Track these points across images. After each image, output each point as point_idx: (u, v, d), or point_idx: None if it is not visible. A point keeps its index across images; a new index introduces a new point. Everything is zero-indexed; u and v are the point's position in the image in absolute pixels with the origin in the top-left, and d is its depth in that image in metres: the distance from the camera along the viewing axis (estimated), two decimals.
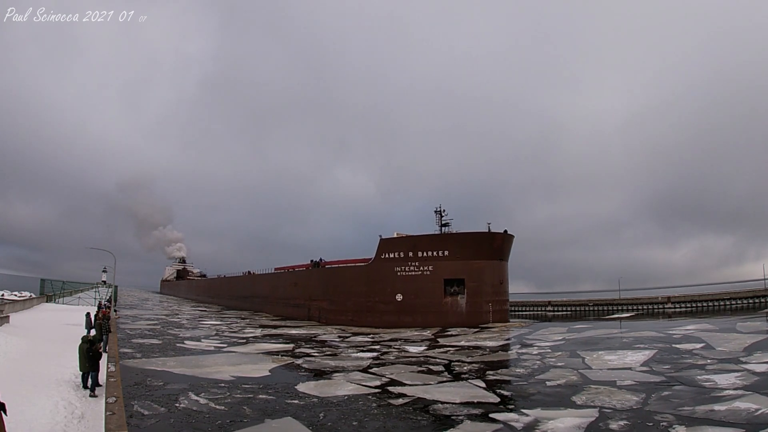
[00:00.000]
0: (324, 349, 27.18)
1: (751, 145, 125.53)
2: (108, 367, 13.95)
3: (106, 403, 10.28)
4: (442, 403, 14.24)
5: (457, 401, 14.32)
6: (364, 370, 19.73)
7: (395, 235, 42.63)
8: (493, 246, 40.91)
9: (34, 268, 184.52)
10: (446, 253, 39.93)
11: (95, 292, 59.09)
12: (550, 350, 24.19)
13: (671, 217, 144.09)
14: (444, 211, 42.99)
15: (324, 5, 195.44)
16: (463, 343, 28.39)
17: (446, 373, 19.06)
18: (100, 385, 13.18)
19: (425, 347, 27.01)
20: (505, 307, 43.24)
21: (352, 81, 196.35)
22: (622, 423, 11.61)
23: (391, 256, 41.42)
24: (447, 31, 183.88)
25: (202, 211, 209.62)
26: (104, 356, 16.56)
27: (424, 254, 40.37)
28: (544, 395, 15.02)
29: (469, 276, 39.70)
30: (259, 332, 36.80)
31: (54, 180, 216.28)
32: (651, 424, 11.50)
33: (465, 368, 20.11)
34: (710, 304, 49.12)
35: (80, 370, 13.48)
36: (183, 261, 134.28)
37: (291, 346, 28.48)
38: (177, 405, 13.77)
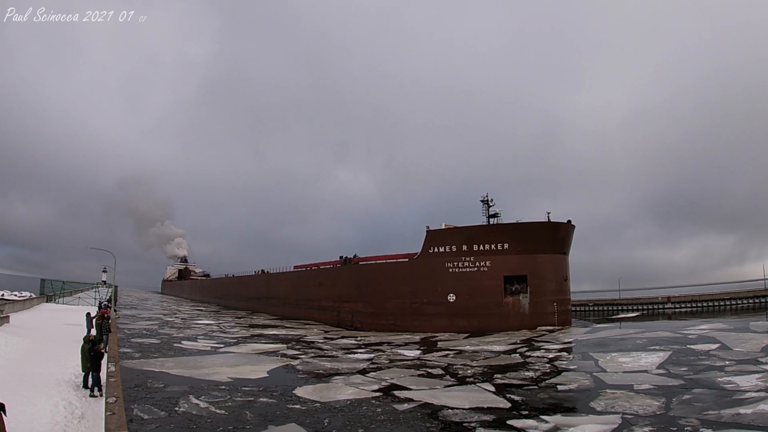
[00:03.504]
0: (310, 350, 26.86)
1: (753, 143, 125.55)
2: (108, 367, 13.90)
3: (106, 403, 10.22)
4: (451, 408, 13.89)
5: (467, 406, 13.99)
6: (363, 373, 19.52)
7: (443, 227, 38.02)
8: (557, 238, 36.74)
9: (34, 268, 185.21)
10: (506, 246, 35.33)
11: (95, 292, 59.09)
12: (560, 353, 23.67)
13: (672, 216, 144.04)
14: (491, 200, 38.58)
15: (325, 6, 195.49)
16: (467, 347, 27.42)
17: (449, 377, 18.74)
18: (101, 386, 13.11)
19: (420, 351, 26.46)
20: (568, 307, 38.99)
21: (353, 81, 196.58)
22: (647, 430, 11.32)
23: (441, 249, 36.68)
24: (447, 29, 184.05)
25: (203, 211, 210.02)
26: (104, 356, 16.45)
27: (480, 248, 35.68)
28: (560, 400, 14.70)
29: (531, 272, 35.57)
30: (252, 332, 36.75)
31: (54, 179, 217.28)
32: (676, 429, 11.24)
33: (469, 372, 19.74)
34: (711, 304, 49.13)
35: (82, 371, 13.43)
36: (185, 260, 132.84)
37: (282, 346, 28.49)
38: (177, 409, 13.71)
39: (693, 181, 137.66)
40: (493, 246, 35.65)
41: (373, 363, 22.19)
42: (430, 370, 20.16)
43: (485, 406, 14.10)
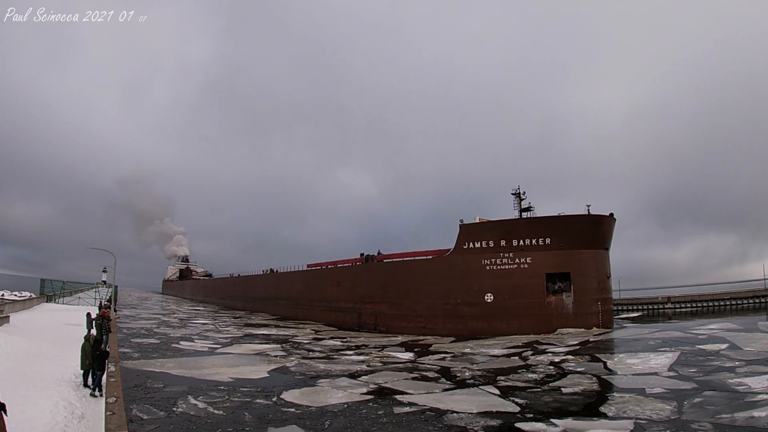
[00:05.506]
0: (301, 351, 26.74)
1: (755, 145, 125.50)
2: (108, 367, 13.94)
3: (106, 403, 10.28)
4: (456, 412, 13.60)
5: (474, 411, 13.71)
6: (359, 376, 19.31)
7: (477, 220, 35.71)
8: (600, 232, 34.91)
9: (34, 268, 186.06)
10: (547, 241, 33.26)
11: (95, 292, 59.20)
12: (566, 356, 23.04)
13: (673, 216, 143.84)
14: (524, 193, 36.46)
15: (326, 9, 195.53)
16: (467, 350, 26.56)
17: (451, 380, 18.37)
18: (102, 386, 13.16)
19: (414, 353, 25.85)
20: (611, 307, 37.00)
21: (354, 83, 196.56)
22: None
23: (477, 245, 34.38)
24: (448, 30, 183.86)
25: (203, 212, 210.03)
26: None
27: (520, 243, 33.56)
28: (568, 403, 14.47)
29: (575, 269, 33.60)
30: (246, 332, 36.87)
31: (54, 179, 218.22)
32: None
33: (467, 374, 19.40)
34: (711, 304, 49.06)
35: (81, 369, 13.50)
36: (186, 260, 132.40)
37: (276, 347, 28.56)
38: (175, 409, 13.74)
39: (694, 181, 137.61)
40: (533, 241, 33.36)
41: (368, 366, 21.94)
42: (427, 374, 19.88)
43: (493, 410, 13.83)
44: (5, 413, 6.28)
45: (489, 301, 33.81)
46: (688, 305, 49.64)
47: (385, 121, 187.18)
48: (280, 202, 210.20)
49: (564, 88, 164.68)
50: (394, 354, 25.75)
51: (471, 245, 34.74)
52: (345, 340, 32.85)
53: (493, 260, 34.05)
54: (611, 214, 35.56)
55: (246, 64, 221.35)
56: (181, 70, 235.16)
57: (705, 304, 49.09)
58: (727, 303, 48.64)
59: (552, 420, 12.50)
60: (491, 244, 34.20)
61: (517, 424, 12.32)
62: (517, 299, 33.29)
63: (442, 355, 24.92)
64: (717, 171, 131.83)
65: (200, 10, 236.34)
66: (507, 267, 33.75)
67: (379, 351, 27.09)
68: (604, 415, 12.93)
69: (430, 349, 27.73)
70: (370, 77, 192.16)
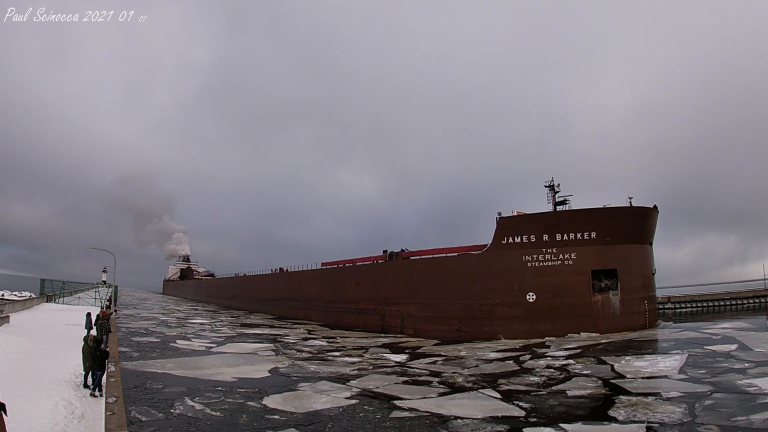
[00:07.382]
0: (291, 352, 26.56)
1: (756, 144, 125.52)
2: (108, 367, 13.83)
3: (106, 403, 10.17)
4: (460, 418, 13.27)
5: (479, 416, 13.39)
6: (355, 378, 19.02)
7: (514, 213, 33.58)
8: (645, 226, 33.24)
9: (34, 268, 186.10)
10: (593, 235, 31.23)
11: (95, 292, 59.04)
12: (567, 360, 22.17)
13: (673, 215, 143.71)
14: (558, 185, 34.41)
15: (326, 8, 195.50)
16: (462, 353, 25.75)
17: (449, 384, 17.98)
18: (102, 386, 13.05)
19: (407, 355, 25.27)
20: (655, 306, 35.27)
21: (354, 83, 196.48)
22: None
23: (517, 240, 32.28)
24: (448, 29, 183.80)
25: (203, 212, 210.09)
26: None
27: (564, 237, 31.36)
28: (575, 407, 14.15)
29: (621, 266, 31.61)
30: (240, 331, 36.86)
31: (54, 179, 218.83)
32: None
33: (465, 378, 18.99)
34: (711, 304, 48.90)
35: (84, 371, 13.41)
36: (187, 259, 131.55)
37: (269, 346, 28.64)
38: (173, 411, 13.68)
39: (695, 180, 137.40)
40: (578, 235, 31.22)
41: (360, 368, 21.56)
42: (424, 377, 19.49)
43: (498, 415, 13.56)
44: (5, 413, 6.20)
45: (531, 300, 31.45)
46: (689, 305, 49.48)
47: (386, 120, 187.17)
48: (281, 202, 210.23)
49: (565, 85, 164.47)
50: (385, 356, 25.41)
51: (510, 240, 32.47)
52: (332, 340, 32.75)
53: (535, 256, 31.78)
54: (654, 207, 33.96)
55: (246, 63, 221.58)
56: (181, 70, 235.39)
57: (706, 304, 48.95)
58: (728, 303, 48.52)
59: (560, 425, 12.25)
60: (533, 238, 31.92)
61: (525, 430, 12.10)
62: (561, 298, 31.07)
63: (434, 358, 24.35)
64: (718, 170, 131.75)
65: (200, 10, 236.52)
66: (550, 263, 31.54)
67: (365, 352, 26.84)
68: (614, 419, 12.63)
69: (420, 351, 27.21)
70: (370, 76, 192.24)
